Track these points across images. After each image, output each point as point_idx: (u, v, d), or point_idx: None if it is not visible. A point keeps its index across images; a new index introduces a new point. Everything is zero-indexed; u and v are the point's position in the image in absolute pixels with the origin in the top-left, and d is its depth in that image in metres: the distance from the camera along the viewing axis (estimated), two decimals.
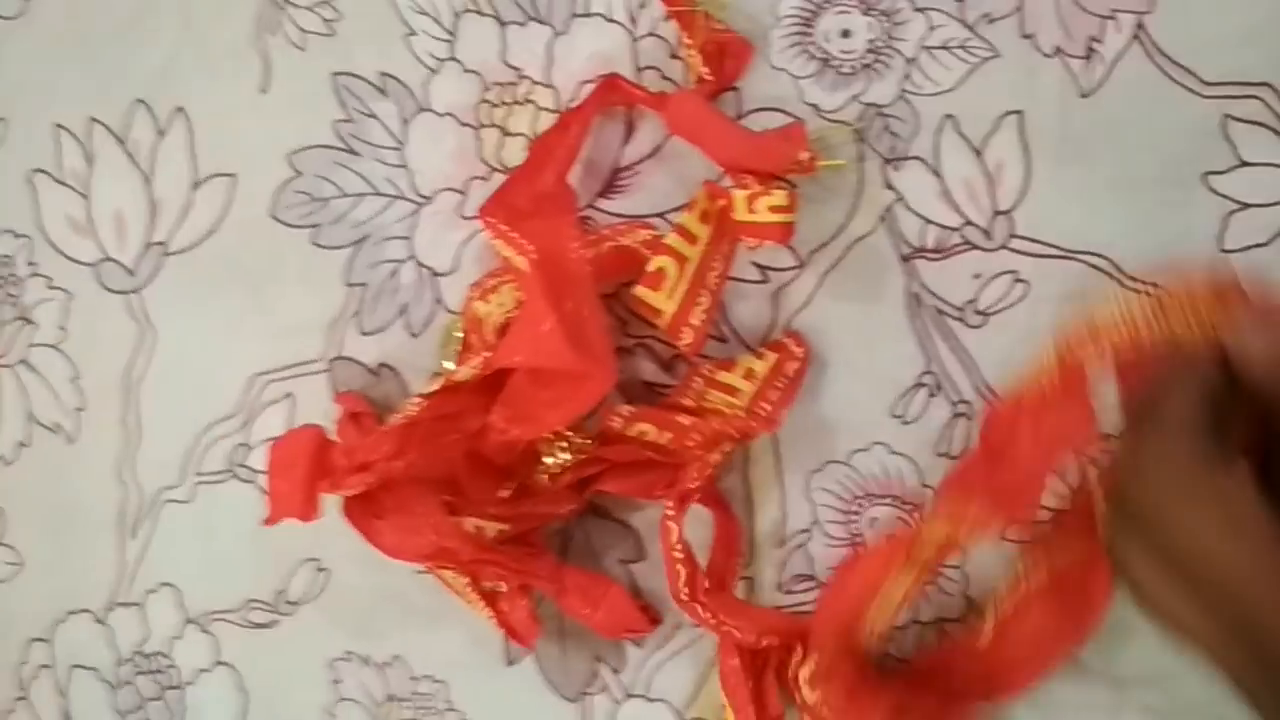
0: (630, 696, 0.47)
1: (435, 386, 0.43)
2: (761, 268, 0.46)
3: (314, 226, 0.51)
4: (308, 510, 0.42)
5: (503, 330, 0.45)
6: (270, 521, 0.43)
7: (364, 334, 0.50)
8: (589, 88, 0.47)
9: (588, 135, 0.47)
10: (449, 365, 0.47)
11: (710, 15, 0.44)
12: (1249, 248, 0.42)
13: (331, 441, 0.44)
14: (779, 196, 0.42)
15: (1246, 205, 0.42)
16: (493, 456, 0.45)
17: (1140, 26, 0.43)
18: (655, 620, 0.47)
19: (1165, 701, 0.42)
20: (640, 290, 0.42)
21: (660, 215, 0.47)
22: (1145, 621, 0.36)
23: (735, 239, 0.44)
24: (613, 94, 0.46)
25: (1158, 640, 0.36)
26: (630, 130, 0.48)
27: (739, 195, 0.42)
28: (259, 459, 0.51)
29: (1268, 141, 0.42)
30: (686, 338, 0.43)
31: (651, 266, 0.42)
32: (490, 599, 0.46)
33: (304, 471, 0.43)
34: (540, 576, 0.45)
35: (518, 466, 0.46)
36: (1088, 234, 0.43)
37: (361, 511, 0.43)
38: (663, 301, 0.42)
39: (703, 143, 0.45)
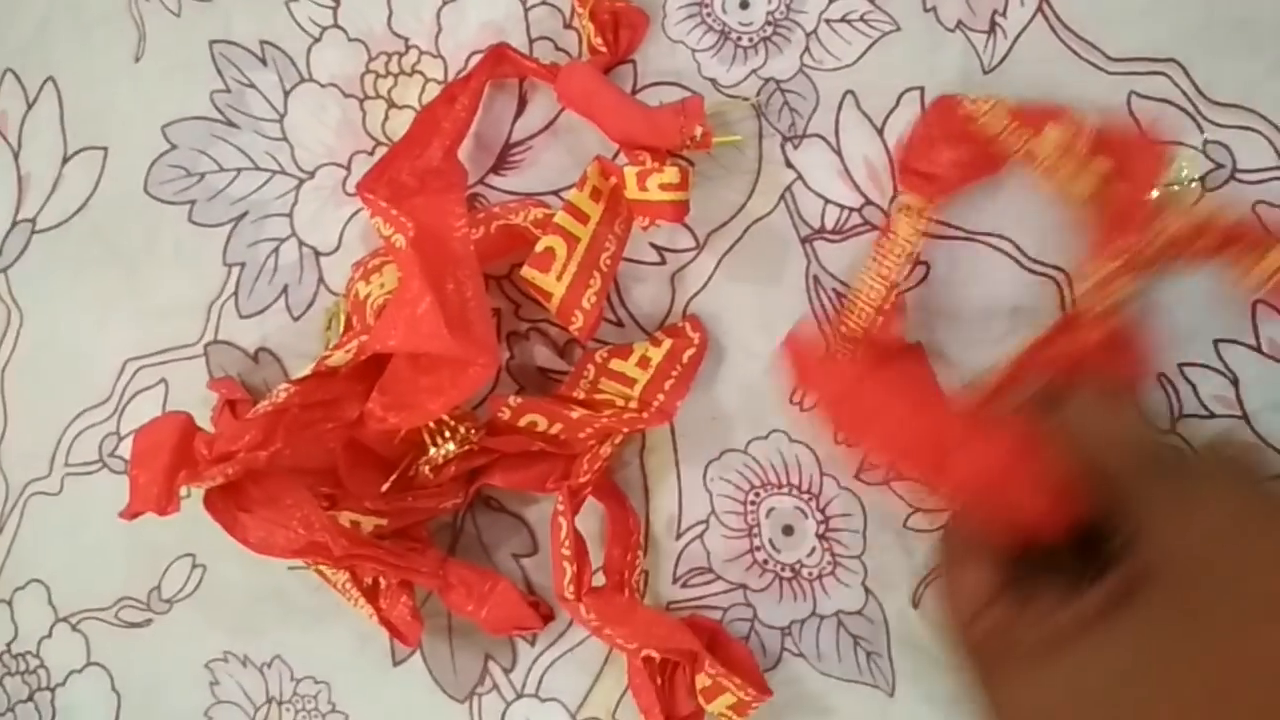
0: (521, 696, 0.45)
1: (308, 371, 0.40)
2: (659, 249, 0.44)
3: (190, 203, 0.48)
4: (165, 503, 0.40)
5: (382, 312, 0.43)
6: (128, 515, 0.40)
7: (243, 317, 0.47)
8: (478, 58, 0.45)
9: (477, 108, 0.44)
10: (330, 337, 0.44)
11: None
12: None
13: (199, 430, 0.41)
14: (670, 173, 0.40)
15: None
16: (373, 446, 0.43)
17: (1044, 0, 0.42)
18: (547, 616, 0.45)
19: None
20: (528, 271, 0.40)
21: (554, 193, 0.45)
22: None
23: (629, 218, 0.42)
24: (501, 65, 0.44)
25: None
26: (522, 104, 0.46)
27: (629, 172, 0.40)
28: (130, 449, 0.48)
29: (1174, 118, 0.40)
30: (578, 321, 0.40)
31: (540, 246, 0.40)
32: (371, 596, 0.43)
33: (165, 461, 0.40)
34: (422, 572, 0.43)
35: (400, 457, 0.43)
36: (989, 215, 0.42)
37: (225, 504, 0.40)
38: (551, 284, 0.40)
39: (595, 116, 0.43)
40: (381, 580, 0.43)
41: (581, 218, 0.41)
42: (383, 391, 0.40)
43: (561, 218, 0.40)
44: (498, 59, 0.44)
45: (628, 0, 0.44)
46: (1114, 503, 0.33)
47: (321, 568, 0.44)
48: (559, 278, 0.40)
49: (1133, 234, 0.37)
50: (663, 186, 0.40)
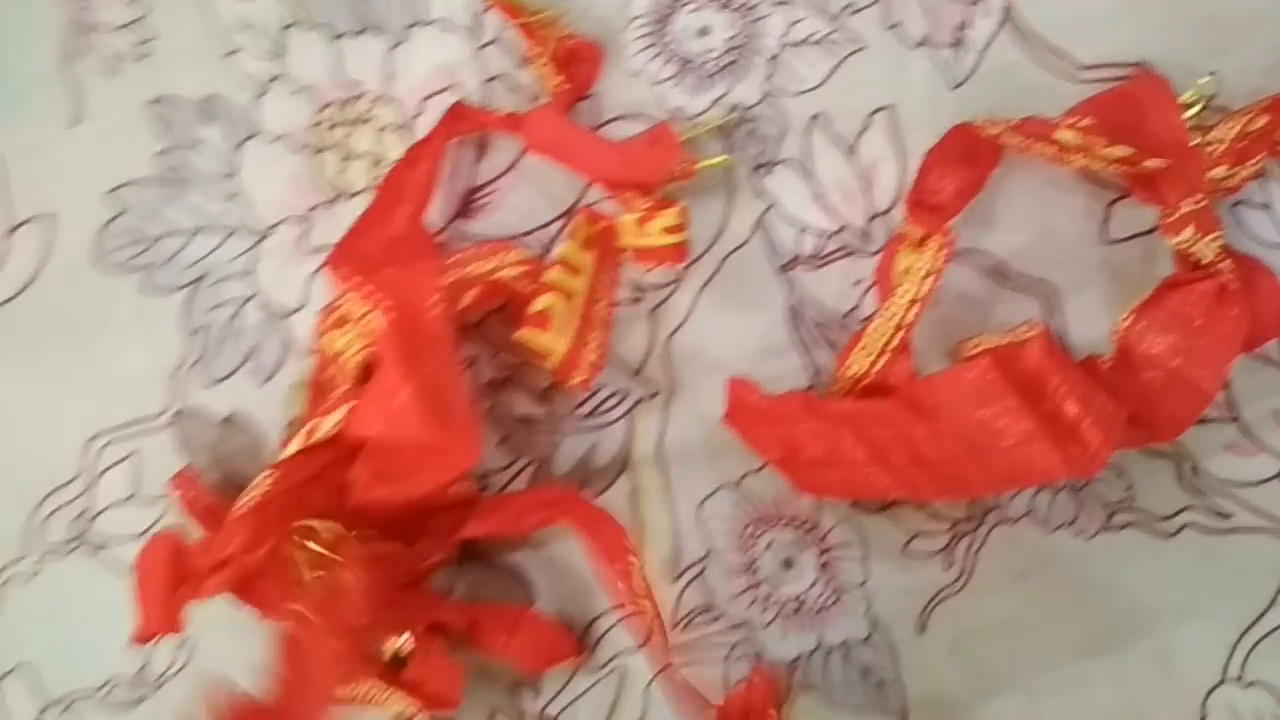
0: None
1: (287, 453, 0.39)
2: (635, 286, 0.43)
3: (144, 269, 0.46)
4: (169, 624, 0.39)
5: (363, 369, 0.42)
6: (139, 640, 0.39)
7: (208, 384, 0.46)
8: (434, 101, 0.44)
9: (440, 170, 0.43)
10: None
11: (554, 22, 0.41)
12: (1133, 236, 0.40)
13: (186, 545, 0.40)
14: (670, 215, 0.39)
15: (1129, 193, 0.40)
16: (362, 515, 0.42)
17: (1009, 9, 0.41)
18: (581, 646, 0.44)
19: None
20: (526, 334, 0.38)
21: (525, 234, 0.44)
22: None
23: (618, 264, 0.41)
24: (460, 122, 0.43)
25: None
26: (483, 147, 0.44)
27: (627, 220, 0.39)
28: (105, 527, 0.47)
29: None
30: (580, 376, 0.40)
31: (537, 307, 0.39)
32: (389, 678, 0.42)
33: (163, 583, 0.39)
34: (448, 610, 0.42)
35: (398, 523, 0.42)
36: (969, 232, 0.41)
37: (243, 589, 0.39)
38: (553, 342, 0.39)
39: (569, 160, 0.42)
40: (404, 648, 0.42)
41: (574, 270, 0.40)
42: (369, 460, 0.39)
43: (556, 275, 0.39)
44: (456, 117, 0.42)
45: (576, 36, 0.42)
46: None
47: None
48: (560, 335, 0.39)
49: (1190, 162, 0.37)
50: (665, 230, 0.39)
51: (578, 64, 0.42)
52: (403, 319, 0.37)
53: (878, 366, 0.40)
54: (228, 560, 0.38)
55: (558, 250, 0.39)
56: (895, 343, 0.39)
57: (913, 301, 0.38)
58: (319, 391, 0.43)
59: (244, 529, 0.38)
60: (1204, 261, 0.37)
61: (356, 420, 0.37)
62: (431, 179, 0.42)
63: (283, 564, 0.40)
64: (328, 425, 0.39)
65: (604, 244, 0.40)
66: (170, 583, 0.38)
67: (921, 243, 0.39)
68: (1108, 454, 0.36)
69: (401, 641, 0.41)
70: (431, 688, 0.42)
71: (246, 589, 0.40)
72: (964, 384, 0.37)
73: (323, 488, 0.40)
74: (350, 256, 0.40)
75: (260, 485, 0.39)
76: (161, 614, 0.38)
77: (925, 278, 0.38)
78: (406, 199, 0.41)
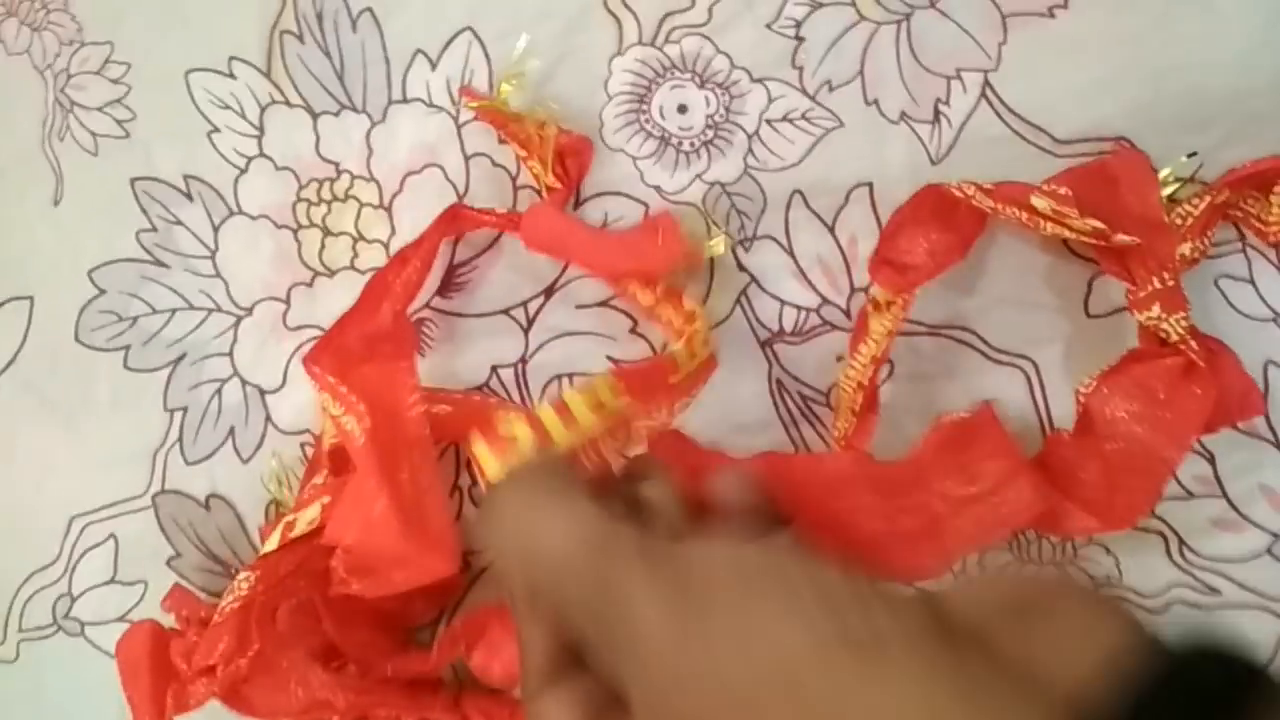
0: None
1: (265, 549, 0.39)
2: (617, 362, 0.43)
3: (124, 348, 0.46)
4: (159, 714, 0.38)
5: (335, 453, 0.41)
6: None
7: (189, 463, 0.45)
8: (414, 179, 0.44)
9: (430, 268, 0.42)
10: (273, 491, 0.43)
11: (542, 124, 0.41)
12: (1115, 311, 0.40)
13: (170, 634, 0.40)
14: (690, 310, 0.39)
15: None
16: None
17: (987, 85, 0.41)
18: None
19: None
20: (480, 447, 0.34)
21: (505, 311, 0.43)
22: None
23: (626, 438, 0.37)
24: (456, 223, 0.42)
25: None
26: None
27: (679, 351, 0.37)
28: (85, 609, 0.46)
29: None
30: None
31: (503, 429, 0.34)
32: None
33: (148, 678, 0.39)
34: (438, 707, 0.41)
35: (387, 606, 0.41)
36: (951, 308, 0.41)
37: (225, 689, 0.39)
38: (496, 470, 0.33)
39: (570, 256, 0.41)
40: None
41: (569, 422, 0.34)
42: (346, 553, 0.38)
43: (545, 412, 0.34)
44: (452, 217, 0.42)
45: (567, 132, 0.42)
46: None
47: None
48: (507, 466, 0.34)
49: (1161, 240, 0.37)
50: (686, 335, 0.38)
51: (570, 158, 0.42)
52: (380, 423, 0.36)
53: (851, 427, 0.39)
54: (213, 668, 0.37)
55: (565, 394, 0.34)
56: (858, 404, 0.39)
57: (873, 359, 0.38)
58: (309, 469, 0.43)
59: (229, 633, 0.37)
60: (1170, 339, 0.37)
61: (334, 525, 0.37)
62: (421, 277, 0.42)
63: (270, 668, 0.39)
64: (304, 520, 0.38)
65: (617, 417, 0.35)
66: (154, 681, 0.38)
67: (889, 306, 0.38)
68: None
69: None
70: None
71: (235, 696, 0.39)
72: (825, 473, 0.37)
73: (304, 578, 0.40)
74: (330, 353, 0.40)
75: (241, 586, 0.38)
76: (153, 712, 0.38)
77: (885, 335, 0.38)
78: (392, 297, 0.41)
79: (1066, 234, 0.37)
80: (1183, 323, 0.36)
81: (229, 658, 0.37)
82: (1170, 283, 0.37)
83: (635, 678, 0.25)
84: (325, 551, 0.39)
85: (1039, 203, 0.37)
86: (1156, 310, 0.37)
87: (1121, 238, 0.37)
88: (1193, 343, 0.36)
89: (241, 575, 0.38)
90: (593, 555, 0.26)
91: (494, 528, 0.29)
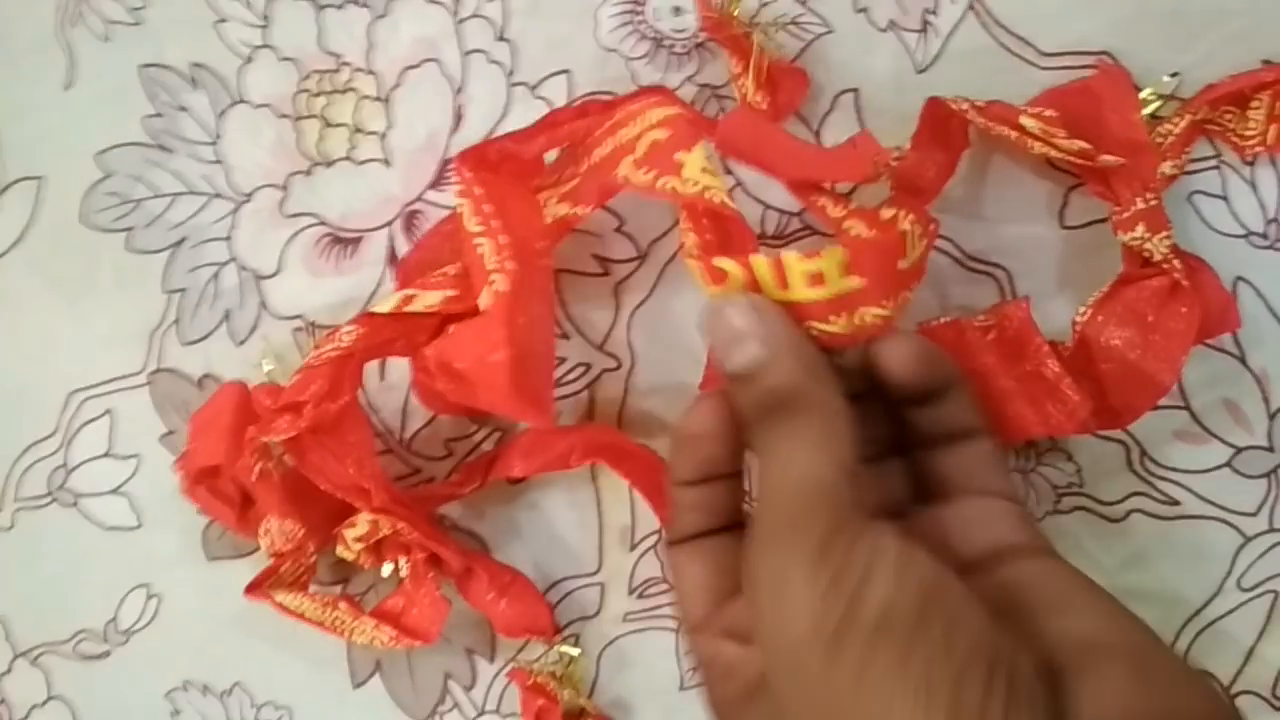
0: (483, 714, 0.45)
1: (377, 308, 0.39)
2: (601, 259, 0.44)
3: (128, 230, 0.47)
4: (233, 456, 0.39)
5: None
6: (187, 472, 0.42)
7: (185, 344, 0.47)
8: (412, 73, 0.45)
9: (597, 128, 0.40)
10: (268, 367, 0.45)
11: (762, 44, 0.41)
12: (1090, 223, 0.41)
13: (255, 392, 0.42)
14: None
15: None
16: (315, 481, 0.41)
17: None
18: (556, 628, 0.44)
19: None
20: (693, 264, 0.34)
21: None
22: None
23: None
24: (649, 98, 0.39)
25: None
26: (459, 118, 0.45)
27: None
28: (80, 481, 0.48)
29: None
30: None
31: (717, 261, 0.33)
32: (357, 609, 0.42)
33: (228, 421, 0.40)
34: (452, 547, 0.42)
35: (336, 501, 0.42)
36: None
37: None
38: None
39: (765, 163, 0.37)
40: (403, 569, 0.42)
41: (781, 283, 0.33)
42: (440, 351, 0.38)
43: (759, 264, 0.33)
44: (653, 93, 0.40)
45: (784, 60, 0.42)
46: None
47: (302, 603, 0.43)
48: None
49: (1144, 160, 0.37)
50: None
51: (781, 87, 0.41)
52: (517, 271, 0.36)
53: None
54: (301, 405, 0.38)
55: (785, 255, 0.32)
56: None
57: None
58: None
59: (323, 378, 0.38)
60: (1154, 259, 0.37)
61: (447, 344, 0.37)
62: (586, 133, 0.40)
63: (342, 432, 0.40)
64: (425, 301, 0.38)
65: (837, 296, 0.33)
66: (236, 421, 0.39)
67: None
68: (1085, 412, 0.36)
69: (402, 562, 0.42)
70: (412, 618, 0.42)
71: (303, 441, 0.39)
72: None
73: (398, 352, 0.41)
74: (483, 165, 0.39)
75: (344, 338, 0.38)
76: (225, 447, 0.39)
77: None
78: (552, 137, 0.40)
79: (1053, 154, 0.38)
80: (1166, 242, 0.37)
81: (320, 400, 0.38)
82: (1153, 202, 0.37)
83: (771, 642, 0.29)
84: (425, 335, 0.40)
85: (1028, 123, 0.37)
86: (1141, 230, 0.37)
87: (1106, 159, 0.37)
88: (1176, 262, 0.37)
89: (347, 328, 0.39)
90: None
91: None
